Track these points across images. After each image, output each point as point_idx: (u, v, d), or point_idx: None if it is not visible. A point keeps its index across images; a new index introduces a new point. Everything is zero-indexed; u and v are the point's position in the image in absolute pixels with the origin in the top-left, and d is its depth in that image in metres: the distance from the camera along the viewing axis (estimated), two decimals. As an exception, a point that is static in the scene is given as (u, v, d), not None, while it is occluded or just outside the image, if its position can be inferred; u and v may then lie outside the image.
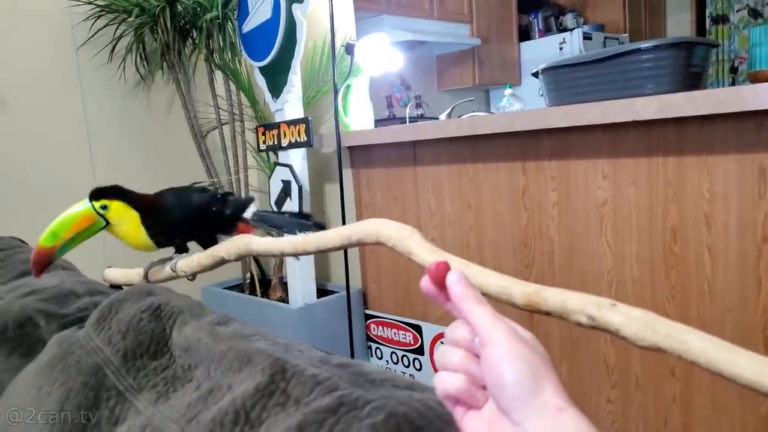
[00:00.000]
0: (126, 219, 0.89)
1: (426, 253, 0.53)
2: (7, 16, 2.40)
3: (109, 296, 0.85)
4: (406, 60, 2.42)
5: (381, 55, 2.22)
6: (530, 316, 1.86)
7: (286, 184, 2.44)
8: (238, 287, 2.91)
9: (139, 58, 2.68)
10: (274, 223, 0.93)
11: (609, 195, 1.70)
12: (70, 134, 2.58)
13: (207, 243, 0.93)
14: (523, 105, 2.24)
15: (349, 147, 2.46)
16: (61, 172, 2.55)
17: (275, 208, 2.52)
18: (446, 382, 0.37)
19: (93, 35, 2.55)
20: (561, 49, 4.36)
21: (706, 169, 1.50)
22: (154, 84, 2.79)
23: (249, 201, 0.96)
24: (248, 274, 2.86)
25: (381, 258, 2.45)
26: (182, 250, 0.94)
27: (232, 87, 2.71)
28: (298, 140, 2.32)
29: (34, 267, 0.83)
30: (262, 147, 2.54)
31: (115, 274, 0.99)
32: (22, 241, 1.42)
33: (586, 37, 4.27)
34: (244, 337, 0.51)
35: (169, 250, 0.96)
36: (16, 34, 2.43)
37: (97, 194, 0.87)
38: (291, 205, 2.42)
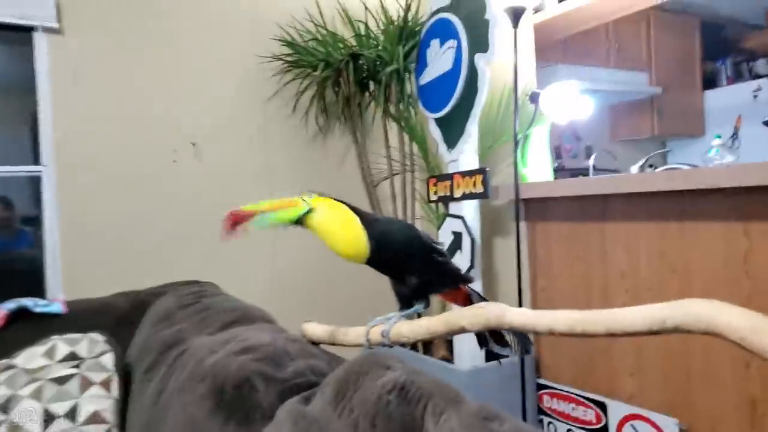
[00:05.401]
0: (336, 211, 0.83)
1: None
2: (204, 70, 2.62)
3: (322, 359, 0.77)
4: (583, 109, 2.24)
5: (569, 102, 2.07)
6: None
7: (457, 236, 2.34)
8: (399, 341, 2.82)
9: (319, 111, 2.78)
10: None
11: None
12: (253, 180, 2.72)
13: (417, 290, 0.83)
14: (736, 158, 1.95)
15: (524, 199, 2.31)
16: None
17: (443, 261, 2.42)
18: None
19: (280, 89, 2.69)
20: (755, 97, 3.90)
21: None
22: (330, 134, 2.88)
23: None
24: (410, 328, 2.78)
25: (558, 322, 2.24)
26: (408, 303, 0.83)
27: (405, 138, 2.70)
28: (473, 191, 2.22)
29: (227, 222, 0.77)
30: (433, 197, 2.47)
31: (318, 332, 0.93)
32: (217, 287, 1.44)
33: (787, 83, 3.78)
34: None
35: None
36: (212, 86, 2.63)
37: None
38: (461, 258, 2.31)
